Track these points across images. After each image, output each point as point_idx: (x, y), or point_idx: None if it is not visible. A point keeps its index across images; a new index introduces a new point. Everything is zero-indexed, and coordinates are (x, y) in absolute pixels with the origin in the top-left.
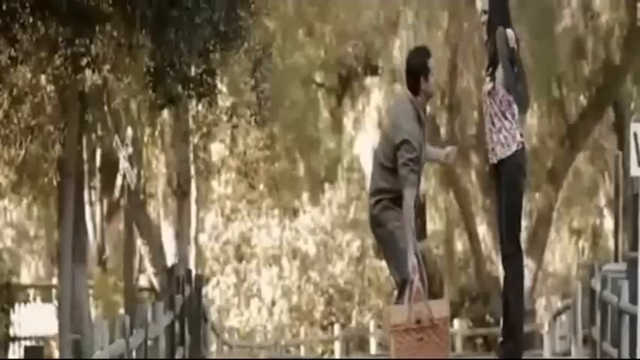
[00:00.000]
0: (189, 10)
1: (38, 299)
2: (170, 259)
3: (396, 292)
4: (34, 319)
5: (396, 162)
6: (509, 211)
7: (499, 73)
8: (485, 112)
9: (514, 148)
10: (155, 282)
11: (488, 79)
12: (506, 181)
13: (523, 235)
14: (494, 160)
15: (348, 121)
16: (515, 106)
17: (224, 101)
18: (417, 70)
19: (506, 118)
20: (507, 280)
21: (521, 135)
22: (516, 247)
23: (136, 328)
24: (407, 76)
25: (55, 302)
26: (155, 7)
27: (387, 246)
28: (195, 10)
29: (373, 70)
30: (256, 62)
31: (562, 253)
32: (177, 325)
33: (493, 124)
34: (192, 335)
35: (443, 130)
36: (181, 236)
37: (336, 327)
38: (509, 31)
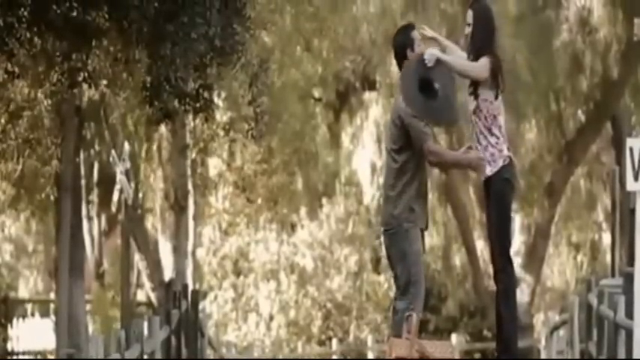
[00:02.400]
0: (185, 25)
1: (36, 314)
2: (168, 274)
3: (392, 307)
4: (32, 334)
5: (404, 128)
6: (498, 225)
7: (481, 91)
8: (472, 130)
9: (501, 163)
10: (153, 297)
11: (472, 97)
12: (495, 196)
13: (522, 250)
14: (482, 177)
15: (346, 136)
16: (501, 118)
17: (221, 116)
18: (401, 43)
19: (492, 134)
20: (499, 295)
21: (508, 148)
22: (507, 261)
23: (132, 342)
24: (395, 55)
25: (53, 317)
26: (151, 22)
27: (399, 246)
28: (191, 25)
29: (371, 85)
30: (253, 77)
31: (560, 268)
32: (173, 340)
33: (479, 142)
34: (189, 350)
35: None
36: (179, 251)
37: (334, 341)
38: (429, 51)
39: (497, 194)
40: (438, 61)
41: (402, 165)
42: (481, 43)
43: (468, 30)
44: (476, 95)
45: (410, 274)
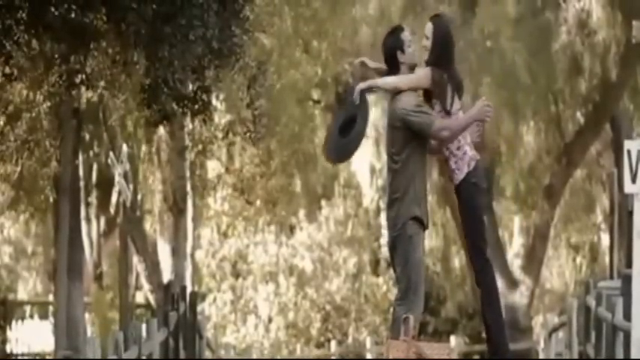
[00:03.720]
0: (183, 27)
1: (35, 316)
2: (166, 276)
3: (392, 309)
4: (31, 336)
5: (406, 129)
6: (472, 229)
7: (435, 104)
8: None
9: (466, 169)
10: (151, 298)
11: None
12: (464, 201)
13: (521, 252)
14: (453, 185)
15: None
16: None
17: (220, 118)
18: (391, 46)
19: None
20: (482, 297)
21: (471, 148)
22: (484, 262)
23: (130, 344)
24: (385, 59)
25: (52, 319)
26: (149, 24)
27: (402, 250)
28: (188, 27)
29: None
30: (251, 79)
31: (560, 270)
32: (171, 342)
33: (443, 154)
34: (187, 352)
35: None
36: (178, 253)
37: (333, 343)
38: (356, 88)
39: (467, 200)
40: (363, 91)
41: (403, 164)
42: (436, 57)
43: (426, 43)
44: (432, 106)
45: (410, 279)
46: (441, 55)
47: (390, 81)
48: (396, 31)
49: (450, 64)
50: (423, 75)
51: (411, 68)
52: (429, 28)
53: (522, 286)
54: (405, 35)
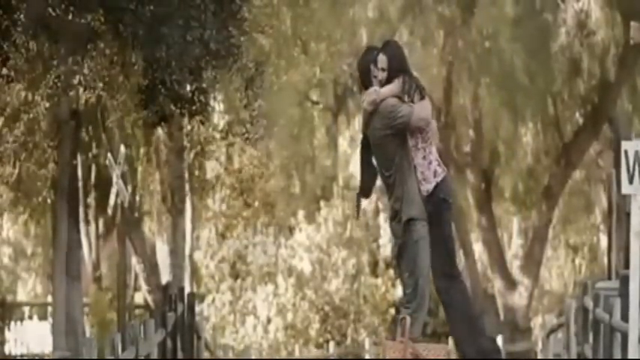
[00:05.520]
0: (181, 28)
1: (35, 317)
2: (165, 277)
3: (393, 310)
4: (30, 337)
5: (390, 139)
6: (440, 244)
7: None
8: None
9: (433, 182)
10: (150, 300)
11: None
12: (433, 215)
13: (519, 253)
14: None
15: (343, 139)
16: (427, 136)
17: (219, 119)
18: (367, 62)
19: (417, 149)
20: (451, 315)
21: (439, 162)
22: (452, 280)
23: (128, 345)
24: (360, 74)
25: (51, 320)
26: (146, 26)
27: (410, 255)
28: (186, 28)
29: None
30: (249, 80)
31: (559, 271)
32: (169, 342)
33: (413, 160)
34: (185, 352)
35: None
36: (176, 254)
37: (332, 344)
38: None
39: (436, 214)
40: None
41: (394, 175)
42: (398, 75)
43: (383, 75)
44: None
45: (418, 282)
46: (403, 72)
47: (385, 91)
48: (371, 51)
49: (411, 75)
50: (396, 83)
51: (380, 81)
52: (383, 60)
53: (521, 287)
54: (380, 55)
